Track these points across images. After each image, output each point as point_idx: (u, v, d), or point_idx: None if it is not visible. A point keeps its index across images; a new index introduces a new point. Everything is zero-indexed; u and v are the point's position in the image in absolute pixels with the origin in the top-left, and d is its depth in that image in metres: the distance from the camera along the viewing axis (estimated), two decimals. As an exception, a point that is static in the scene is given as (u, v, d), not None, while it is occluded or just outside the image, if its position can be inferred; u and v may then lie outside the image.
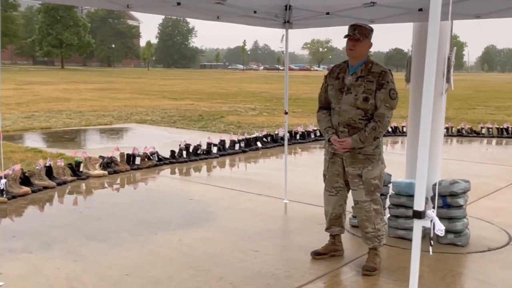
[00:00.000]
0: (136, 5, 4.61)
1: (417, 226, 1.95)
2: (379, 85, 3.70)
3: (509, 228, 5.04)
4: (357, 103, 3.73)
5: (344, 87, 3.80)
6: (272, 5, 5.37)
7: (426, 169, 1.91)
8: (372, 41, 3.81)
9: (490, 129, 12.40)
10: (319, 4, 5.20)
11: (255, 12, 5.23)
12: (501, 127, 12.52)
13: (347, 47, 3.80)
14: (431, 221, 1.97)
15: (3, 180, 5.65)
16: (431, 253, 2.26)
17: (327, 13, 5.20)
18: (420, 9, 4.60)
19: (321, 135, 11.02)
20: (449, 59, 4.73)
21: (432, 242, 2.17)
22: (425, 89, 1.95)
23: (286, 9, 5.44)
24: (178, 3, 4.56)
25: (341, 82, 3.83)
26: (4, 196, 5.66)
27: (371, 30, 3.81)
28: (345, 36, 3.79)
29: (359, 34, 3.73)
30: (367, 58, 3.81)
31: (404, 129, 11.89)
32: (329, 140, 3.89)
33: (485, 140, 11.95)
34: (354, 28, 3.76)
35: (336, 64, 4.00)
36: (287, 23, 5.59)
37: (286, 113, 5.95)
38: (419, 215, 1.91)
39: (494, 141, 11.98)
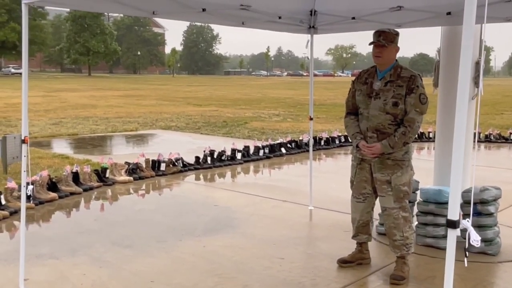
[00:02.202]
0: (162, 11, 4.62)
1: (451, 236, 1.85)
2: (409, 89, 3.64)
3: (543, 237, 4.88)
4: (386, 108, 3.67)
5: (373, 92, 3.74)
6: (297, 10, 5.33)
7: (461, 177, 1.81)
8: (399, 45, 3.75)
9: (520, 135, 12.10)
10: (344, 9, 5.14)
11: (280, 17, 5.20)
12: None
13: (374, 54, 3.74)
14: (466, 231, 1.89)
15: (30, 186, 5.73)
16: (466, 264, 2.17)
17: (353, 18, 5.14)
18: (449, 13, 4.49)
19: (346, 141, 10.92)
20: (478, 63, 4.63)
21: (467, 253, 2.08)
22: (459, 94, 1.86)
23: (311, 14, 5.40)
24: (203, 9, 4.56)
25: (369, 87, 3.78)
26: (32, 202, 5.74)
27: (397, 34, 3.74)
28: (371, 43, 3.74)
29: (384, 40, 3.67)
30: (396, 63, 3.75)
31: (430, 135, 11.70)
32: (357, 146, 3.83)
33: (515, 146, 11.66)
34: (378, 34, 3.70)
35: (364, 69, 3.95)
36: (312, 28, 5.54)
37: (311, 118, 5.90)
38: (453, 224, 1.82)
39: (524, 147, 11.68)
